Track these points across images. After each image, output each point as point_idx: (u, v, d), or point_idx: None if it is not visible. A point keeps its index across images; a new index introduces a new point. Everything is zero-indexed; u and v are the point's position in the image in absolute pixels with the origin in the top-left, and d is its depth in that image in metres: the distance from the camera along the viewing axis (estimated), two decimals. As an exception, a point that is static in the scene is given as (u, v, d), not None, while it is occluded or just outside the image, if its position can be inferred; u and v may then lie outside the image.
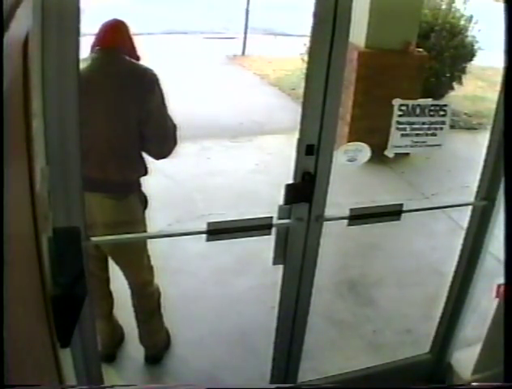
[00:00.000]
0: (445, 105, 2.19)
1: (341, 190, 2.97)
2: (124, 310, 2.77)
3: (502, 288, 2.22)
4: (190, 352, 2.86)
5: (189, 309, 3.12)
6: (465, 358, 2.68)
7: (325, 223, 2.11)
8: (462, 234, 2.53)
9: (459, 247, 2.53)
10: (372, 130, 3.47)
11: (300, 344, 2.39)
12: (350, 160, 2.09)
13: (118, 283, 2.69)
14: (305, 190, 2.00)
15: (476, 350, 2.57)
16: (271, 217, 2.04)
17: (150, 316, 2.73)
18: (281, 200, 2.03)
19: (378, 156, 2.18)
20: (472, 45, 6.41)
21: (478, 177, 2.37)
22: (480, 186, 2.37)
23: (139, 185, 2.47)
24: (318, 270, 2.23)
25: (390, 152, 2.17)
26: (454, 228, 3.97)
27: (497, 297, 2.32)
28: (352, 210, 2.15)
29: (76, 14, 1.47)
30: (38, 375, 1.25)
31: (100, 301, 2.59)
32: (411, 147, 2.18)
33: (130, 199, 2.42)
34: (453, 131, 4.75)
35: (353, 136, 4.40)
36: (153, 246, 2.66)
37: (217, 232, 1.98)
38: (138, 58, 2.36)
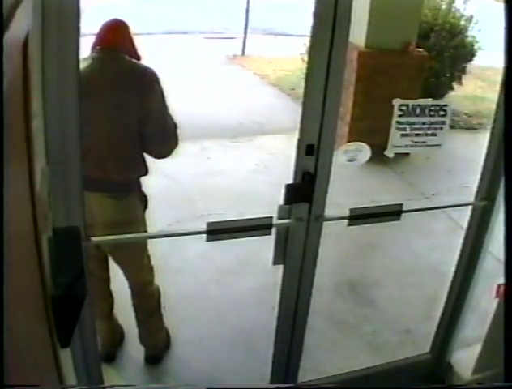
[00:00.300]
0: (445, 105, 2.19)
1: (341, 190, 2.96)
2: (124, 310, 2.77)
3: (502, 288, 2.22)
4: (190, 352, 2.86)
5: (190, 310, 3.12)
6: (465, 358, 2.68)
7: (325, 223, 2.11)
8: (462, 234, 2.52)
9: (459, 247, 2.53)
10: (372, 130, 3.47)
11: (300, 344, 2.39)
12: (350, 160, 2.09)
13: (118, 283, 2.69)
14: (305, 190, 2.00)
15: (476, 350, 2.57)
16: (271, 217, 2.04)
17: (150, 316, 2.73)
18: (281, 200, 2.03)
19: (378, 156, 2.18)
20: (472, 45, 6.41)
21: (478, 177, 2.37)
22: (479, 186, 2.37)
23: (140, 184, 2.47)
24: (318, 270, 2.23)
25: (390, 152, 2.17)
26: (454, 228, 3.97)
27: (497, 297, 2.32)
28: (351, 210, 2.15)
29: (76, 14, 1.47)
30: (38, 375, 1.25)
31: (100, 301, 2.59)
32: (411, 147, 2.18)
33: (130, 199, 2.42)
34: (453, 131, 4.75)
35: (353, 136, 4.39)
36: (153, 246, 2.66)
37: (217, 232, 1.98)
38: (138, 58, 2.36)
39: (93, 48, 2.30)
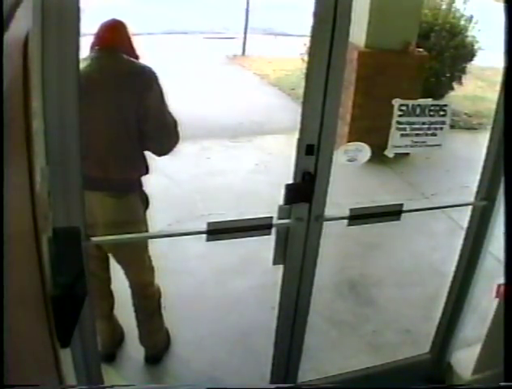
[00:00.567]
0: (445, 105, 2.19)
1: (341, 190, 2.96)
2: (124, 310, 2.77)
3: (502, 288, 2.21)
4: (190, 353, 2.86)
5: (190, 310, 3.11)
6: (465, 358, 2.68)
7: (325, 223, 2.11)
8: (462, 234, 2.52)
9: (459, 247, 2.53)
10: (372, 130, 3.47)
11: (300, 344, 2.39)
12: (350, 160, 2.09)
13: (119, 283, 2.69)
14: (305, 189, 2.00)
15: (476, 350, 2.57)
16: (271, 217, 2.04)
17: (150, 316, 2.73)
18: (281, 200, 2.03)
19: (378, 156, 2.18)
20: (472, 45, 6.41)
21: (478, 177, 2.37)
22: (479, 186, 2.37)
23: (140, 184, 2.48)
24: (318, 270, 2.23)
25: (389, 152, 2.17)
26: (454, 228, 3.96)
27: (497, 297, 2.31)
28: (351, 210, 2.15)
29: (76, 14, 1.47)
30: (38, 375, 1.25)
31: (100, 301, 2.59)
32: (411, 147, 2.18)
33: (130, 198, 2.42)
34: (453, 131, 4.74)
35: (353, 136, 4.39)
36: (153, 246, 2.66)
37: (217, 232, 1.98)
38: (137, 57, 2.36)
39: (92, 48, 2.31)
